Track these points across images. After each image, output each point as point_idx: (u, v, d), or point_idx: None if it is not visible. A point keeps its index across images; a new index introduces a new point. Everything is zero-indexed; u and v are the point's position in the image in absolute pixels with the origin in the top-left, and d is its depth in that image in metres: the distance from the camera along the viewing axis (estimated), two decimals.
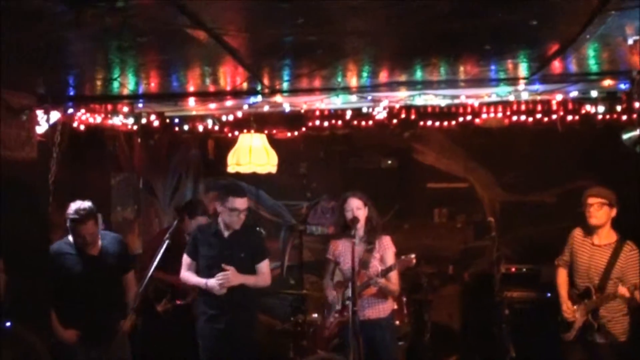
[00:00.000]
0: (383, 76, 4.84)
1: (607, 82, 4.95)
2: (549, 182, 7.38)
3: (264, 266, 5.37)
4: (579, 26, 3.46)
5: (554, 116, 6.40)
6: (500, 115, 6.49)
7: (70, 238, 5.08)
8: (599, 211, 5.23)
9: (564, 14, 3.27)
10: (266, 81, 4.94)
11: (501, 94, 5.19)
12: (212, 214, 5.93)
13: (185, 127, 6.74)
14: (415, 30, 3.54)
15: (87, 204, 4.99)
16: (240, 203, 5.21)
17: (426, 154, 7.79)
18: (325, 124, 7.02)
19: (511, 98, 5.25)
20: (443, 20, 3.29)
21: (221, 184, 7.18)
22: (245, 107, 5.58)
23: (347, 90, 5.19)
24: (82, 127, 6.05)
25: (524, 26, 3.42)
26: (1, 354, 3.25)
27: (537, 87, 5.05)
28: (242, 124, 6.51)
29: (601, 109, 5.44)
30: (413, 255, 5.06)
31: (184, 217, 5.93)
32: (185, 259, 5.38)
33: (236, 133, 6.89)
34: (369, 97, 5.31)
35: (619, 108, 5.47)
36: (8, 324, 4.68)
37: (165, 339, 5.85)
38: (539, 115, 6.46)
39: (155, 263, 4.97)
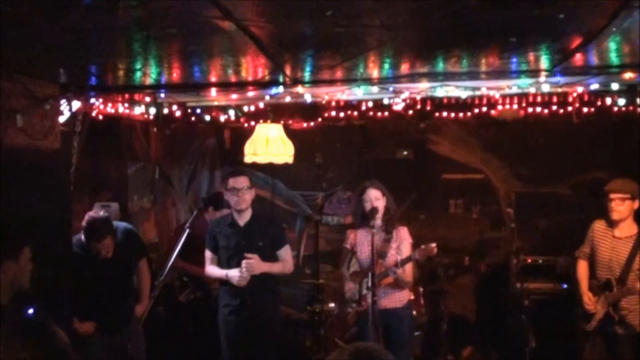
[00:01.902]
0: (405, 68, 4.81)
1: (628, 75, 4.91)
2: (564, 174, 7.39)
3: (286, 252, 5.31)
4: (606, 19, 3.46)
5: (570, 108, 6.40)
6: (515, 106, 6.49)
7: (83, 238, 4.98)
8: (621, 206, 5.21)
9: (591, 6, 3.27)
10: (288, 72, 4.91)
11: (522, 85, 5.17)
12: None
13: (207, 118, 6.74)
14: (441, 23, 3.53)
15: (102, 216, 4.90)
16: (238, 182, 5.14)
17: (441, 145, 7.78)
18: (342, 114, 7.03)
19: (532, 90, 5.24)
20: (470, 13, 3.29)
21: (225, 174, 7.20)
22: (267, 97, 5.56)
23: (368, 81, 5.16)
24: (100, 117, 6.07)
25: (550, 19, 3.42)
26: (25, 342, 3.29)
27: (558, 79, 5.01)
28: (259, 114, 6.52)
29: (621, 101, 5.43)
30: (434, 244, 5.05)
31: (207, 208, 5.92)
32: (207, 254, 5.35)
33: (252, 123, 6.91)
34: (391, 89, 5.29)
35: (638, 101, 5.46)
36: (30, 310, 4.74)
37: (186, 329, 5.90)
38: (554, 107, 6.45)
39: (175, 253, 5.00)
